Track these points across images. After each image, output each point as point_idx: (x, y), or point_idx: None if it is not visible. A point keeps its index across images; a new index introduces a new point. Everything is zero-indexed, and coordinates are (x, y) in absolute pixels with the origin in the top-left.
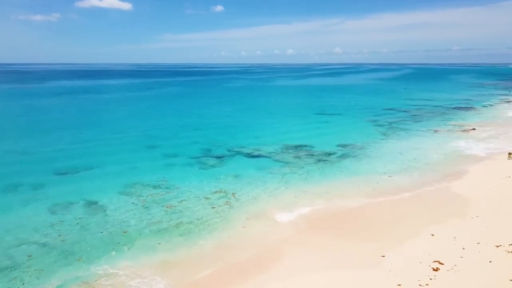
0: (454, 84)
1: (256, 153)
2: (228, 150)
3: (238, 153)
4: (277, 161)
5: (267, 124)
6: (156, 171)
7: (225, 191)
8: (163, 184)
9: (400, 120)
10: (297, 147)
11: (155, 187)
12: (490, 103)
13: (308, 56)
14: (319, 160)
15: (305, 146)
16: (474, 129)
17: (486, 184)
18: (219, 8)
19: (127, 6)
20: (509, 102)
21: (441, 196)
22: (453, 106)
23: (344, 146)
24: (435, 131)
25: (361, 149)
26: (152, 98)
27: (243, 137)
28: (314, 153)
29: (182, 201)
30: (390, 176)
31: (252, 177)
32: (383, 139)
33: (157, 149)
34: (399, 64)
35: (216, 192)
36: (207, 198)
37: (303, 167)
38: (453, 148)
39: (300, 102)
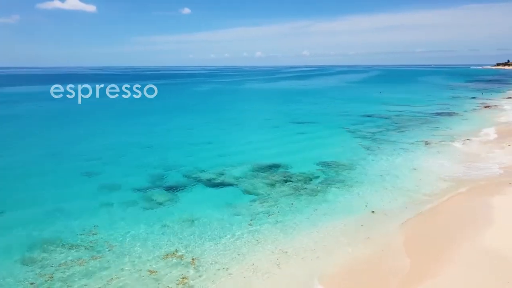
0: (424, 86)
1: (219, 179)
2: (184, 176)
3: (196, 180)
4: (245, 192)
5: (234, 137)
6: (86, 215)
7: (179, 253)
8: (89, 241)
9: (382, 130)
10: (270, 168)
11: (76, 247)
12: (471, 107)
13: (277, 58)
14: (296, 189)
15: (279, 166)
16: (468, 139)
17: None
18: (187, 10)
19: (91, 8)
20: (489, 106)
21: (473, 255)
22: (433, 112)
23: (325, 165)
24: (426, 143)
25: (346, 170)
26: (105, 107)
27: (204, 156)
28: (290, 178)
29: (111, 279)
30: (387, 215)
31: (214, 224)
32: (368, 155)
33: (94, 178)
34: (366, 66)
35: (166, 256)
36: (152, 272)
37: (277, 203)
38: (456, 169)
39: (270, 109)
